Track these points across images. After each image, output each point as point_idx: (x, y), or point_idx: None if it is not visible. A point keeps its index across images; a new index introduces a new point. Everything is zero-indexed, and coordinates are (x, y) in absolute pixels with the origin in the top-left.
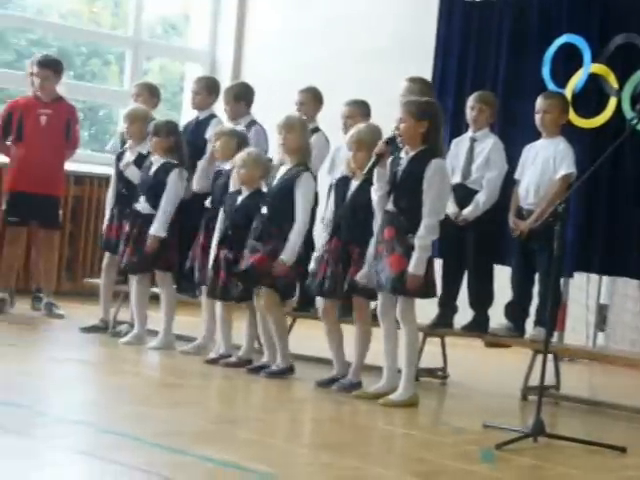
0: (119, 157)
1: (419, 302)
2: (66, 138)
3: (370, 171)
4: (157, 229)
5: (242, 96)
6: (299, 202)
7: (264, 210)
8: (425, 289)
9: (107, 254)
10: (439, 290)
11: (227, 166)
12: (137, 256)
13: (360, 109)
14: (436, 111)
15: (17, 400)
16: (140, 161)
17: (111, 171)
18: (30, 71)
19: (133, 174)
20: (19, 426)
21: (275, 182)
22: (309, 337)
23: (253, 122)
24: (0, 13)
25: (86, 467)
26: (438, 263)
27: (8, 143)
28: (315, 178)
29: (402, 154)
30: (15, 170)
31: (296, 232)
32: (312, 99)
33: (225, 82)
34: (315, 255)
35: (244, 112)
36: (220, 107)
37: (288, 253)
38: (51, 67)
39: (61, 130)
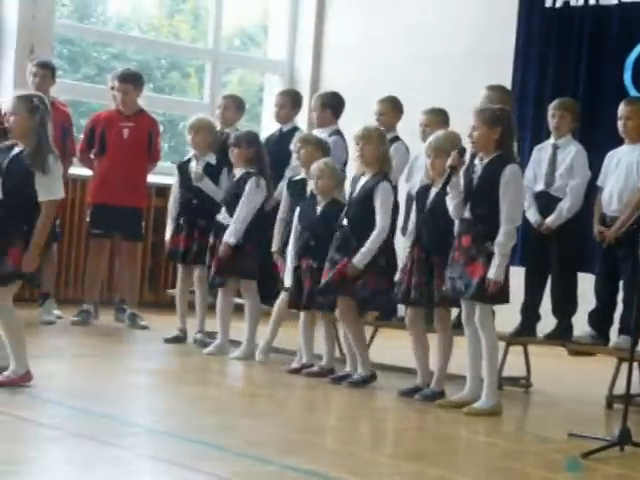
0: (180, 167)
1: (501, 310)
2: (148, 150)
3: (445, 185)
4: (228, 235)
5: (329, 104)
6: (378, 210)
7: (344, 222)
8: (502, 295)
9: (180, 266)
10: (521, 297)
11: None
12: (220, 268)
13: (439, 117)
14: (508, 117)
15: (103, 410)
16: (211, 171)
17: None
18: (111, 85)
19: (207, 185)
20: (106, 435)
21: (355, 194)
22: (391, 346)
23: (336, 132)
24: (81, 28)
25: (171, 476)
26: (521, 271)
27: (91, 156)
28: (395, 188)
29: (476, 161)
30: (98, 183)
31: (373, 239)
32: (391, 109)
33: (304, 93)
34: (400, 266)
35: (330, 121)
36: (300, 119)
37: (360, 257)
38: (131, 82)
39: (143, 143)
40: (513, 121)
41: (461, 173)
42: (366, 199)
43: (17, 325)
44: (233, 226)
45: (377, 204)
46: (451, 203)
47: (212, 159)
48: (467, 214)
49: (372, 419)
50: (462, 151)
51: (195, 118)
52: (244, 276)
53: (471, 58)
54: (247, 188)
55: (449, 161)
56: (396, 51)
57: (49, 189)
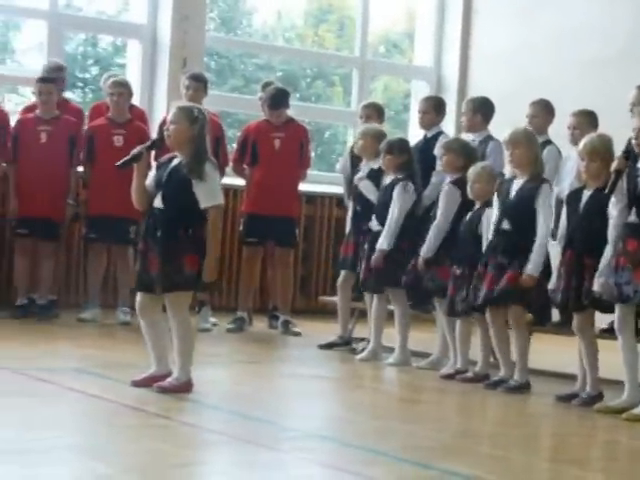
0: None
1: None
2: (299, 159)
3: (612, 189)
4: (381, 242)
5: (479, 109)
6: (541, 214)
7: (505, 225)
8: None
9: (342, 271)
10: None
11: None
12: (370, 274)
13: (588, 119)
14: None
15: (263, 415)
16: (374, 176)
17: (340, 190)
18: (260, 95)
19: (367, 188)
20: (266, 440)
21: (512, 196)
22: (544, 351)
23: (490, 137)
24: (228, 40)
25: None
26: None
27: (244, 166)
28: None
29: (639, 164)
30: (252, 192)
31: (540, 245)
32: (544, 111)
33: (451, 99)
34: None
35: (480, 125)
36: (448, 125)
37: (533, 267)
38: (282, 105)
39: (295, 152)
40: None
41: (625, 176)
42: (527, 203)
43: (192, 334)
44: (385, 233)
45: (539, 208)
46: (615, 208)
47: (376, 164)
48: (632, 218)
49: (530, 424)
50: (627, 154)
51: (365, 125)
52: (392, 285)
53: (621, 60)
54: (395, 194)
55: (614, 165)
56: (543, 55)
57: (210, 195)
